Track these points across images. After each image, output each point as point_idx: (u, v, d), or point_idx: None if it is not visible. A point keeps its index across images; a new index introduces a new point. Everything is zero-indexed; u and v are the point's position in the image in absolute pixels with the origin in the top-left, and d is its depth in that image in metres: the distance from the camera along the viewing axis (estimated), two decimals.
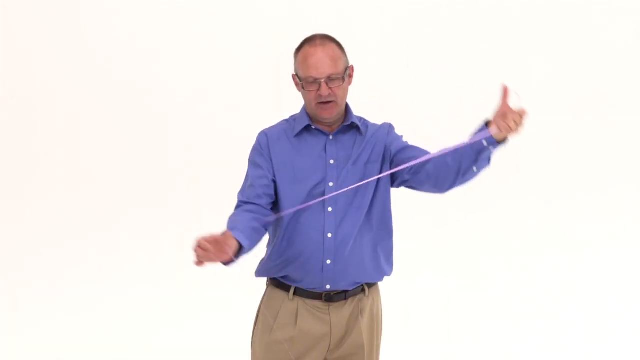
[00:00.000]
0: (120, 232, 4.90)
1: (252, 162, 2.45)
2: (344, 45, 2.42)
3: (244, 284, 3.32)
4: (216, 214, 2.58)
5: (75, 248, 4.86)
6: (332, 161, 2.37)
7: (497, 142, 2.16)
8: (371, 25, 4.90)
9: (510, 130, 2.10)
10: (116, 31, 4.90)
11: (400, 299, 4.43)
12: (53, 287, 4.73)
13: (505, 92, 2.11)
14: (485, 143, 2.17)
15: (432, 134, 4.98)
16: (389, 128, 2.47)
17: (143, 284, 4.75)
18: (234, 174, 2.75)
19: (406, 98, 4.98)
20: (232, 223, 2.27)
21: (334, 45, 2.33)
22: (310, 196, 2.34)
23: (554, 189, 5.06)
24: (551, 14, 5.02)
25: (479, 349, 4.25)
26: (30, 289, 4.72)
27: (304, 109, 2.44)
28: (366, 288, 2.45)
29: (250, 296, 2.68)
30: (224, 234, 2.17)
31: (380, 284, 2.56)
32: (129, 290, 4.71)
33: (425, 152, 2.35)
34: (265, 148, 2.42)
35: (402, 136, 2.49)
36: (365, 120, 2.50)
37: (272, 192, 2.39)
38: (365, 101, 3.27)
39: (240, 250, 2.18)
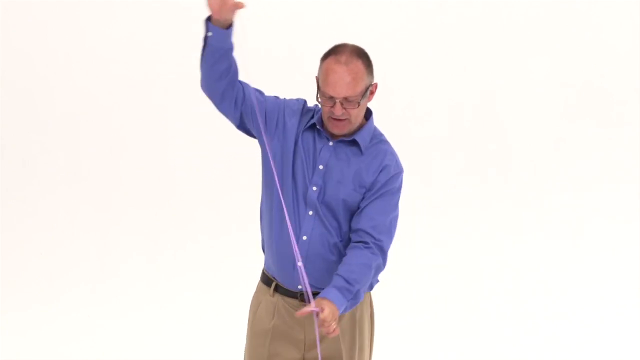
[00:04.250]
0: (120, 233, 4.90)
1: (279, 99, 2.41)
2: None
3: (242, 284, 3.33)
4: (215, 215, 2.57)
5: (75, 249, 4.86)
6: (321, 166, 2.34)
7: None
8: (371, 25, 4.90)
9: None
10: (116, 31, 4.90)
11: (399, 297, 4.42)
12: (53, 287, 4.72)
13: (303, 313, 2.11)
14: None
15: (432, 134, 4.98)
16: (391, 174, 2.34)
17: (143, 285, 4.74)
18: (234, 175, 2.76)
19: (406, 98, 4.98)
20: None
21: (360, 63, 2.25)
22: (294, 191, 2.34)
23: (553, 189, 5.06)
24: (551, 14, 5.02)
25: (478, 349, 4.24)
26: (30, 289, 4.71)
27: None
28: None
29: (248, 297, 2.67)
30: None
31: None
32: (128, 291, 4.70)
33: (374, 224, 2.29)
34: (290, 112, 2.38)
35: (396, 191, 2.37)
36: (380, 142, 2.38)
37: (250, 102, 2.34)
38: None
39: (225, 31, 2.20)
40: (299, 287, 2.36)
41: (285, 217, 2.32)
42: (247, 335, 2.56)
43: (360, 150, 2.34)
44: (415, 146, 4.82)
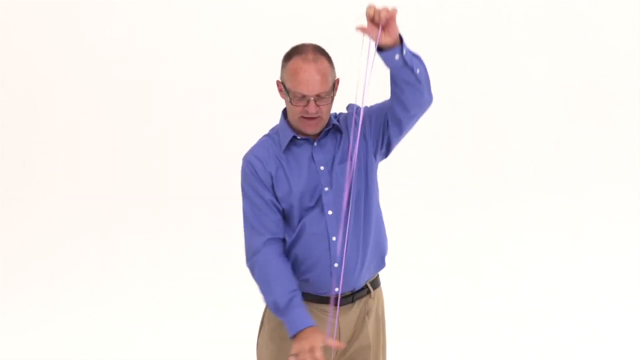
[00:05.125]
0: (120, 233, 4.90)
1: (252, 189, 2.39)
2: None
3: (242, 285, 3.32)
4: (216, 216, 2.57)
5: (75, 249, 4.86)
6: (322, 167, 2.35)
7: (390, 47, 2.21)
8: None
9: (379, 20, 2.15)
10: (116, 31, 4.91)
11: (399, 297, 4.43)
12: (53, 287, 4.73)
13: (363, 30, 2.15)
14: (384, 57, 2.21)
15: (432, 134, 4.98)
16: (356, 112, 2.36)
17: (143, 285, 4.75)
18: (235, 175, 2.75)
19: None
20: (289, 297, 2.30)
21: (324, 60, 2.28)
22: (308, 207, 2.34)
23: (553, 189, 5.06)
24: (551, 14, 5.02)
25: (478, 349, 4.25)
26: (30, 289, 4.72)
27: (285, 119, 2.39)
28: (371, 290, 2.47)
29: (254, 300, 2.67)
30: (309, 334, 2.24)
31: (380, 281, 2.56)
32: (128, 291, 4.71)
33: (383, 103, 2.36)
34: (261, 170, 2.37)
35: (373, 106, 2.43)
36: (339, 114, 2.44)
37: (281, 211, 2.39)
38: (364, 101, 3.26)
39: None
40: (336, 289, 2.36)
41: (305, 227, 2.34)
42: (269, 347, 2.49)
43: (340, 130, 2.38)
44: (416, 146, 4.83)
